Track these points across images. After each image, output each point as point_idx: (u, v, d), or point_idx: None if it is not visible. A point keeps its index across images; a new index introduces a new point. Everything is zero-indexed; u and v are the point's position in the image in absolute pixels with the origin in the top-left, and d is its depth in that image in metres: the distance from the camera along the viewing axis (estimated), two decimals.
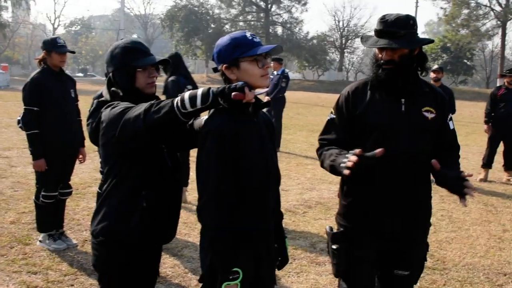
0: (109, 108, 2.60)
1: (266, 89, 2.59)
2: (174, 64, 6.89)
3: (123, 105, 2.56)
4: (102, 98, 2.88)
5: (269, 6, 59.26)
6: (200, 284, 2.53)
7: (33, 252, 5.28)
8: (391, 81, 2.88)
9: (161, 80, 2.61)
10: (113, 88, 2.80)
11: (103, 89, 2.89)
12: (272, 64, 11.39)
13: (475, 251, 5.86)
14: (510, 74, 9.87)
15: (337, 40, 62.06)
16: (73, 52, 5.62)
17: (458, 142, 3.13)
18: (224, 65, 2.51)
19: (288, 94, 12.68)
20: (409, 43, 2.83)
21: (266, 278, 2.71)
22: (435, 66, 9.98)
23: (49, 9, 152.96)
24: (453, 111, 9.74)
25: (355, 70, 66.04)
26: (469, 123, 20.95)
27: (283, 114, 12.66)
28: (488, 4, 47.71)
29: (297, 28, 60.14)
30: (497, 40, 50.97)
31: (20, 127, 5.28)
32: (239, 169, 2.44)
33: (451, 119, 3.07)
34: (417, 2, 53.53)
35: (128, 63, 2.74)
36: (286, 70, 12.62)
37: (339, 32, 62.42)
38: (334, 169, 2.83)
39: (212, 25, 57.80)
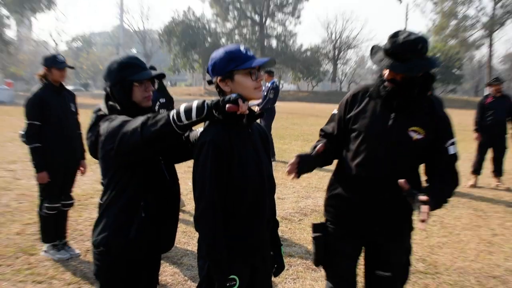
0: (107, 122, 2.60)
1: (259, 101, 2.59)
2: None
3: (120, 118, 2.56)
4: (101, 112, 2.88)
5: (264, 20, 59.55)
6: None
7: (38, 262, 5.26)
8: (390, 97, 2.85)
9: None
10: (110, 102, 2.80)
11: (102, 103, 2.89)
12: (264, 76, 11.44)
13: (466, 255, 5.85)
14: (496, 83, 9.91)
15: (330, 52, 62.37)
16: (72, 68, 5.62)
17: (455, 168, 2.96)
18: (219, 78, 2.51)
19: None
20: (411, 69, 2.72)
21: (262, 285, 2.71)
22: None
23: (51, 27, 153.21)
24: None
25: (348, 80, 66.26)
26: (459, 131, 20.81)
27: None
28: (475, 15, 48.01)
29: (291, 41, 60.42)
30: (484, 50, 51.19)
31: (23, 141, 5.28)
32: (234, 179, 2.44)
33: (452, 144, 2.92)
34: (407, 14, 53.78)
35: (125, 78, 2.74)
36: (276, 82, 12.65)
37: (332, 44, 62.74)
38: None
39: (209, 39, 57.94)
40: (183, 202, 6.70)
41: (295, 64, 56.66)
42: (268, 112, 11.78)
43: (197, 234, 2.50)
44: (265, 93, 11.73)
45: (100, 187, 2.89)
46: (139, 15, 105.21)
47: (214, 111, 2.32)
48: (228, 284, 2.37)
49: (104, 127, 2.60)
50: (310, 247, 5.85)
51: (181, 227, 6.22)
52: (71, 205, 5.66)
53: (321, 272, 5.05)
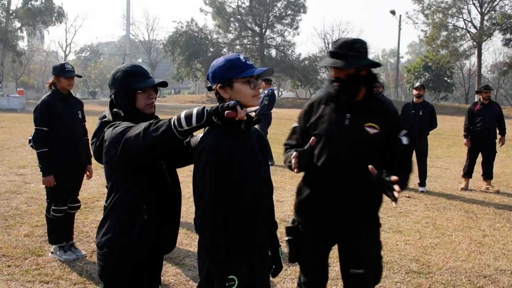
0: (111, 128, 2.59)
1: (256, 107, 2.58)
2: None
3: (124, 125, 2.55)
4: (105, 119, 2.86)
5: (264, 30, 59.57)
6: None
7: (45, 263, 5.23)
8: (338, 96, 3.01)
9: (157, 100, 2.59)
10: (115, 109, 2.79)
11: (106, 110, 2.88)
12: (262, 84, 11.50)
13: (457, 255, 5.82)
14: (485, 91, 9.93)
15: None
16: (80, 77, 5.62)
17: (409, 156, 3.18)
18: (219, 85, 2.51)
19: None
20: (351, 63, 2.93)
21: (261, 285, 2.70)
22: (417, 84, 10.00)
23: (61, 38, 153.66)
24: (435, 125, 9.77)
25: None
26: (450, 136, 20.99)
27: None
28: (464, 27, 48.11)
29: (289, 51, 60.37)
30: (473, 59, 51.23)
31: (31, 145, 5.28)
32: (234, 182, 2.44)
33: (405, 134, 3.07)
34: (400, 25, 53.73)
35: (129, 86, 2.73)
36: (273, 89, 12.68)
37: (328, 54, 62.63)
38: (289, 167, 3.07)
39: (211, 49, 57.87)
40: None
41: (293, 72, 56.63)
42: (264, 118, 11.79)
43: (198, 236, 2.48)
44: (261, 100, 11.74)
45: (106, 191, 2.87)
46: (144, 27, 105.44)
47: (213, 117, 2.31)
48: (227, 284, 2.36)
49: (108, 133, 2.59)
50: None
51: (183, 229, 6.19)
52: (77, 208, 5.65)
53: None
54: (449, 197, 9.14)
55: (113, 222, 2.68)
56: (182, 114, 2.32)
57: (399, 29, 53.65)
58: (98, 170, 6.62)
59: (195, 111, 2.32)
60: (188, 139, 2.69)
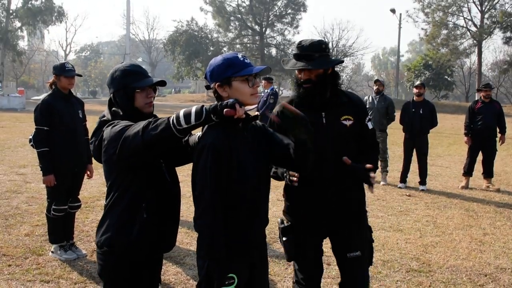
0: (110, 127, 2.59)
1: (255, 106, 2.58)
2: None
3: (123, 123, 2.55)
4: (104, 118, 2.86)
5: (264, 29, 59.53)
6: None
7: (46, 262, 5.24)
8: (311, 97, 3.09)
9: (158, 100, 2.58)
10: (114, 108, 2.79)
11: (105, 110, 2.88)
12: (262, 83, 11.52)
13: (458, 254, 5.82)
14: (485, 89, 9.91)
15: None
16: (80, 76, 5.62)
17: (376, 139, 3.45)
18: (217, 83, 2.51)
19: None
20: (323, 64, 3.06)
21: (260, 283, 2.71)
22: (418, 82, 10.01)
23: (61, 37, 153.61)
24: (435, 123, 9.76)
25: (345, 87, 66.24)
26: (451, 135, 20.98)
27: None
28: (465, 25, 48.09)
29: (290, 49, 60.24)
30: (474, 57, 51.21)
31: (32, 145, 5.28)
32: (232, 180, 2.44)
33: (369, 120, 3.31)
34: (400, 24, 53.71)
35: (128, 85, 2.74)
36: (275, 88, 12.66)
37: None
38: (275, 177, 3.16)
39: (211, 48, 57.80)
40: None
41: (294, 71, 56.44)
42: (265, 118, 11.75)
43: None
44: (265, 99, 11.70)
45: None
46: (144, 26, 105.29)
47: (212, 116, 2.31)
48: (226, 283, 2.36)
49: (107, 132, 2.59)
50: None
51: (184, 228, 6.20)
52: (78, 207, 5.65)
53: None
54: (450, 195, 9.14)
55: (112, 220, 2.68)
56: (181, 113, 2.32)
57: (399, 27, 53.59)
58: (98, 170, 6.59)
59: (193, 109, 2.32)
60: (187, 138, 2.69)
